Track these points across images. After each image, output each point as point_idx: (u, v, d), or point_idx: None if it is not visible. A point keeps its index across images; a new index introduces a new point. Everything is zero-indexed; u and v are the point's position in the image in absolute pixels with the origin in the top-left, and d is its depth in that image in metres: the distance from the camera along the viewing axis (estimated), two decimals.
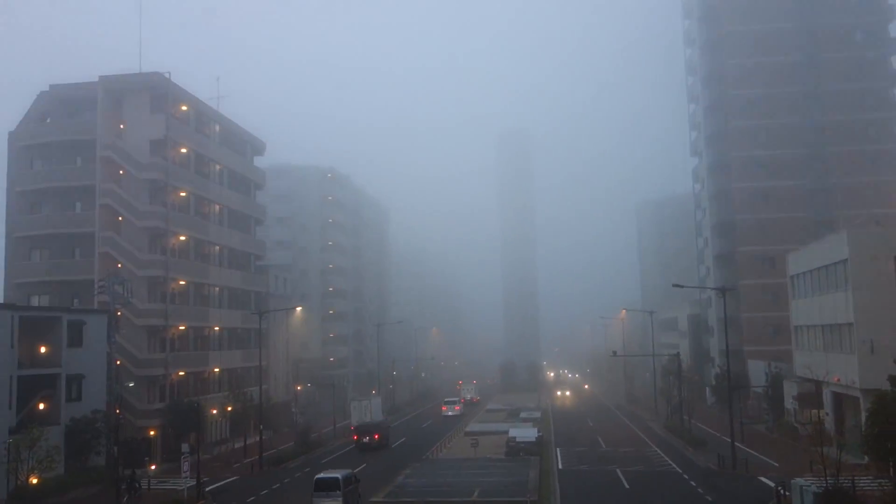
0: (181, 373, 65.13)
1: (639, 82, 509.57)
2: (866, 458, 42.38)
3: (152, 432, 61.00)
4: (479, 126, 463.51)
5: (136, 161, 64.81)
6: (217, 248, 73.62)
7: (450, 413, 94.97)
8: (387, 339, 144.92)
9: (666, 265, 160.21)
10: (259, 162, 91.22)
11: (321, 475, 39.97)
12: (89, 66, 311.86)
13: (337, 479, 39.08)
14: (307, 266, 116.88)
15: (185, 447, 44.60)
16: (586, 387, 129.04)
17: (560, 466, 52.80)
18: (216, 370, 71.56)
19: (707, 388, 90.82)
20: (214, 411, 68.17)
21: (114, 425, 50.39)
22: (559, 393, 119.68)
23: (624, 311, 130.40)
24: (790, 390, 64.16)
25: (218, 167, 75.36)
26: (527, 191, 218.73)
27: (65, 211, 64.78)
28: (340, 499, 38.22)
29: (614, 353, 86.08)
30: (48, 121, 67.62)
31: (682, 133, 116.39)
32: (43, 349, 51.51)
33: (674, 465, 52.30)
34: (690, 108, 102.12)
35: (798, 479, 36.59)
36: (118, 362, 57.20)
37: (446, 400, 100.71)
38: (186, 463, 43.85)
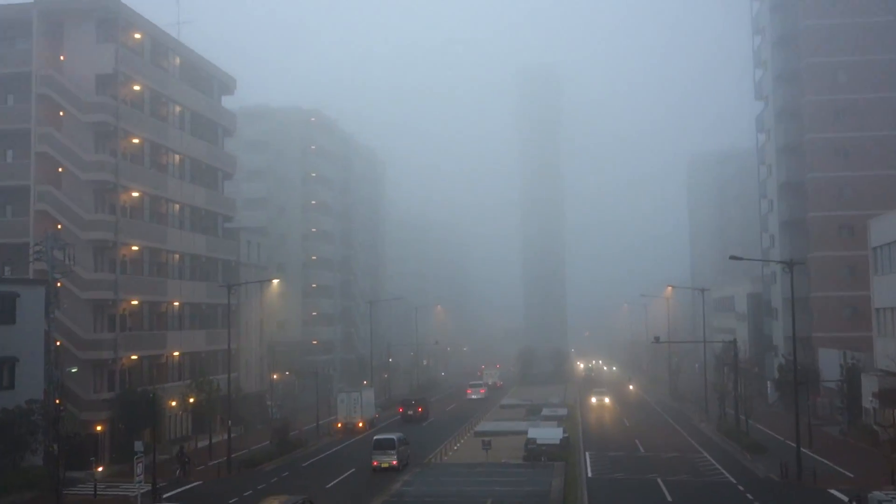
0: (134, 357, 65.73)
1: (691, 7, 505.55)
2: None
3: (99, 427, 61.70)
4: (495, 62, 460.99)
5: (79, 100, 64.84)
6: (177, 206, 74.10)
7: (474, 396, 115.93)
8: (381, 319, 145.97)
9: (722, 234, 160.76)
10: (228, 103, 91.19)
11: (379, 436, 58.73)
12: None
13: (392, 439, 57.21)
14: (286, 229, 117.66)
15: (138, 445, 45.02)
16: (631, 388, 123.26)
17: (589, 474, 53.07)
18: (176, 354, 72.31)
19: (769, 383, 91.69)
20: (174, 403, 68.87)
21: (53, 418, 50.43)
22: (594, 400, 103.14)
23: (670, 288, 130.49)
24: (869, 386, 64.13)
25: (178, 109, 75.50)
26: (553, 143, 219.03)
27: None
28: (395, 456, 56.08)
29: (657, 339, 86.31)
30: None
31: (746, 73, 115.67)
32: None
33: (727, 475, 52.53)
34: (755, 40, 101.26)
35: (877, 493, 36.81)
36: (58, 343, 57.77)
37: (471, 383, 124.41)
38: (140, 464, 44.13)
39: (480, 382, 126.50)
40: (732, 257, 56.70)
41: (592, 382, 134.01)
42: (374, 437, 59.08)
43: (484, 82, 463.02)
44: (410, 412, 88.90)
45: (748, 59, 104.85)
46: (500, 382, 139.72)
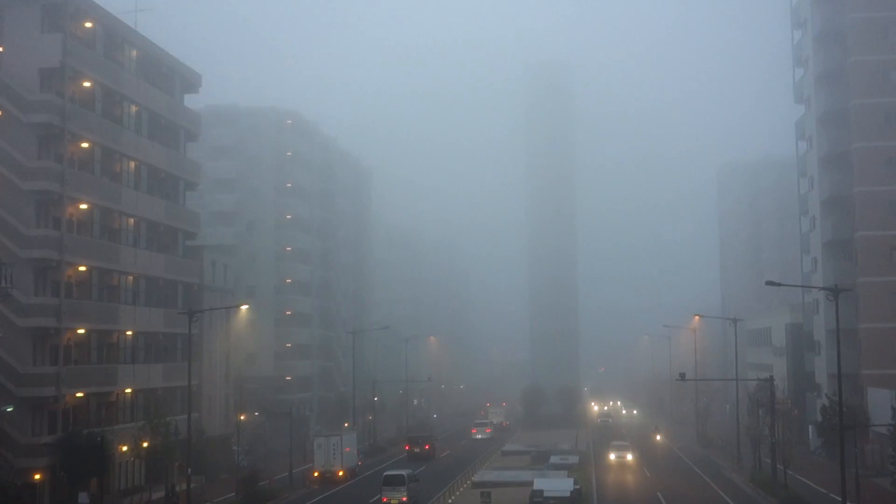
0: (79, 394, 65.55)
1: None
2: None
3: (38, 476, 61.12)
4: (500, 62, 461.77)
5: (19, 98, 64.45)
6: (132, 220, 74.31)
7: (479, 436, 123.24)
8: (366, 352, 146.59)
9: (756, 256, 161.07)
10: (192, 102, 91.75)
11: (389, 472, 67.01)
12: None
13: (402, 475, 64.32)
14: (257, 248, 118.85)
15: (83, 497, 44.75)
16: (658, 437, 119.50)
17: None
18: (128, 391, 72.31)
19: (810, 427, 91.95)
20: (125, 448, 68.08)
21: None
22: (613, 457, 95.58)
23: (697, 318, 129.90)
24: None
25: (134, 108, 75.46)
26: (565, 152, 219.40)
27: None
28: (405, 492, 62.46)
29: (682, 376, 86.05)
30: None
31: (784, 73, 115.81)
32: None
33: None
34: (795, 36, 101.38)
35: None
36: None
37: (476, 422, 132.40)
38: None
39: (486, 422, 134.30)
40: (769, 283, 56.56)
41: (610, 431, 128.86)
42: (385, 473, 67.09)
43: (487, 84, 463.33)
44: (417, 449, 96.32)
45: (786, 57, 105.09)
46: (506, 422, 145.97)
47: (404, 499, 62.18)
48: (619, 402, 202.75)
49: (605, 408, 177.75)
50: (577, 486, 63.41)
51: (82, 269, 67.21)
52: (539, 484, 61.89)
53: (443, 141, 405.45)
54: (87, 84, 68.71)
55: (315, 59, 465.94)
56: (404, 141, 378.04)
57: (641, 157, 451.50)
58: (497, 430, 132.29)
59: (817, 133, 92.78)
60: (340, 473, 79.31)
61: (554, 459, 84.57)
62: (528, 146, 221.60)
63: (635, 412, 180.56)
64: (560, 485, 61.98)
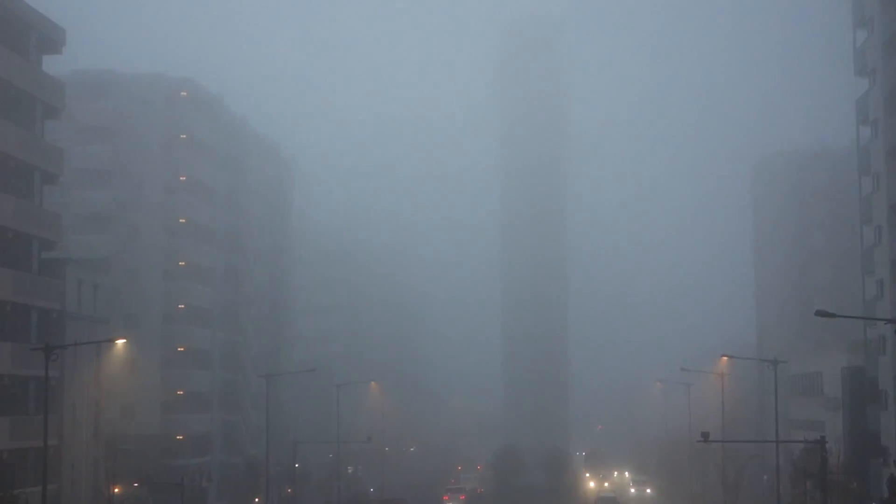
0: None
1: None
2: None
3: None
4: (471, 15, 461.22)
5: None
6: None
7: None
8: (285, 402, 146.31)
9: (802, 277, 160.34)
10: (55, 67, 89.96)
11: None
12: None
13: None
14: (140, 263, 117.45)
15: None
16: None
17: None
18: None
19: None
20: None
21: None
22: None
23: (725, 358, 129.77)
24: None
25: None
26: (552, 123, 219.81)
27: None
28: None
29: (705, 436, 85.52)
30: None
31: (840, 36, 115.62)
32: None
33: None
34: None
35: None
36: None
37: (448, 488, 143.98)
38: None
39: (459, 487, 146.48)
40: (819, 313, 56.40)
41: None
42: None
43: (451, 44, 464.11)
44: None
45: (842, 14, 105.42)
46: (480, 489, 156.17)
47: None
48: (626, 474, 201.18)
49: (606, 483, 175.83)
50: None
51: None
52: None
53: (396, 122, 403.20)
54: None
55: (232, 23, 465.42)
56: (343, 124, 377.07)
57: (650, 146, 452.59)
58: (472, 498, 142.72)
59: (885, 116, 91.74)
60: None
61: None
62: (504, 114, 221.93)
63: (649, 490, 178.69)
64: None
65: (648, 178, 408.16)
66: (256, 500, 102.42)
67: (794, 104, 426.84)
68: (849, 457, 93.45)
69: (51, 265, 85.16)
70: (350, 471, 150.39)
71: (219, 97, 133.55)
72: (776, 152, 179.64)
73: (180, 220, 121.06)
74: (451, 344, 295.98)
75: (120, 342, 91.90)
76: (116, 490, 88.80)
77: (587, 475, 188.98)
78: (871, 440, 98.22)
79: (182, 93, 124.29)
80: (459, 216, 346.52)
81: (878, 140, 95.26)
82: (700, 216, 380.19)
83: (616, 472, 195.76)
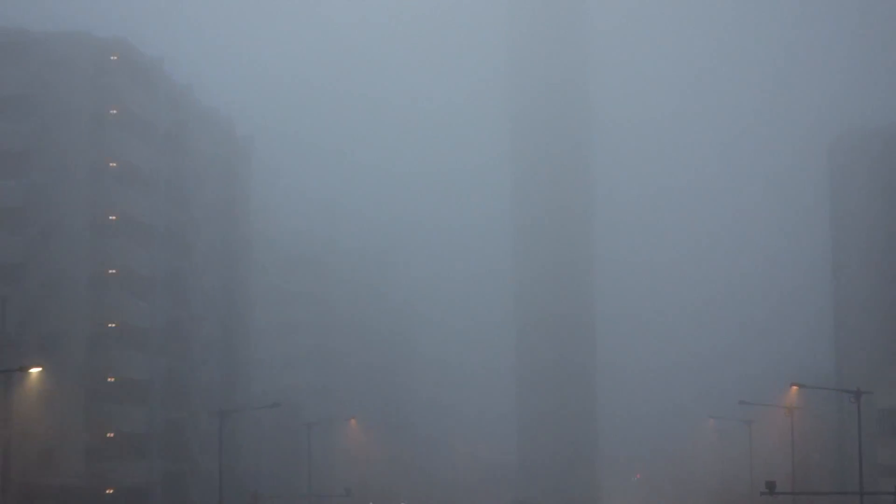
0: None
1: None
2: None
3: None
4: None
5: None
6: None
7: None
8: (242, 445, 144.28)
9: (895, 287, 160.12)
10: None
11: None
12: None
13: None
14: (60, 269, 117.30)
15: None
16: None
17: None
18: None
19: None
20: None
21: None
22: None
23: (795, 388, 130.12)
24: None
25: None
26: (576, 120, 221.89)
27: None
28: None
29: (770, 487, 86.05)
30: None
31: None
32: None
33: None
34: None
35: None
36: None
37: None
38: None
39: None
40: None
41: None
42: None
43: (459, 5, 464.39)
44: None
45: None
46: None
47: None
48: None
49: None
50: None
51: None
52: None
53: (384, 102, 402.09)
54: None
55: None
56: (317, 101, 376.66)
57: (703, 121, 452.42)
58: None
59: None
60: None
61: None
62: (517, 95, 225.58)
63: None
64: None
65: (693, 169, 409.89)
66: None
67: (876, 77, 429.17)
68: None
69: None
70: None
71: (158, 61, 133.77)
72: (858, 128, 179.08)
73: (110, 216, 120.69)
74: (451, 373, 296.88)
75: (34, 371, 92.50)
76: None
77: None
78: None
79: (112, 56, 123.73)
80: (462, 216, 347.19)
81: None
82: (760, 208, 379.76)
83: None
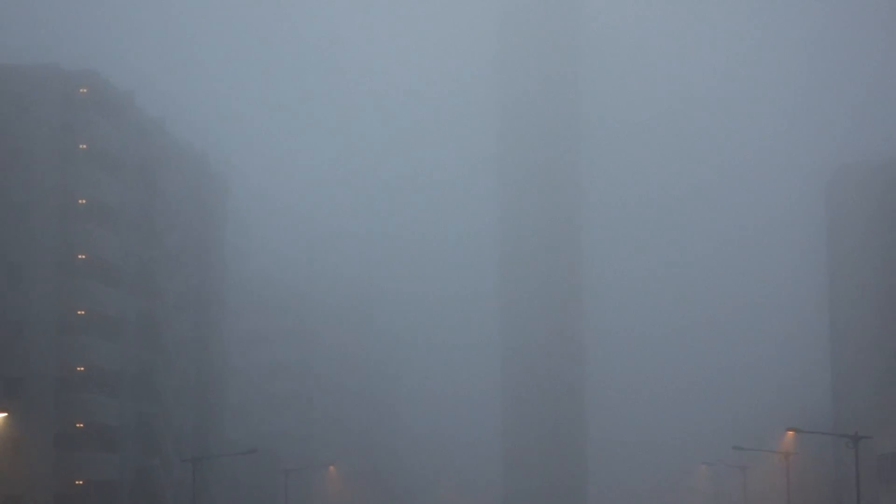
0: None
1: None
2: None
3: None
4: None
5: None
6: None
7: None
8: (217, 492, 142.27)
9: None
10: None
11: None
12: None
13: None
14: (25, 310, 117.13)
15: None
16: None
17: None
18: None
19: None
20: None
21: None
22: None
23: (791, 433, 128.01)
24: None
25: None
26: (565, 137, 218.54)
27: None
28: None
29: None
30: None
31: None
32: None
33: None
34: None
35: None
36: None
37: None
38: None
39: None
40: None
41: None
42: None
43: (447, 14, 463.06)
44: None
45: None
46: None
47: None
48: None
49: None
50: None
51: None
52: None
53: (366, 124, 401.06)
54: None
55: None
56: (295, 127, 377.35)
57: (696, 150, 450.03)
58: None
59: None
60: None
61: None
62: (504, 110, 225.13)
63: None
64: None
65: (687, 203, 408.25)
66: None
67: (876, 108, 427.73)
68: None
69: None
70: None
71: (128, 94, 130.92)
72: (857, 164, 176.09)
73: (79, 256, 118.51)
74: (436, 402, 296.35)
75: (0, 416, 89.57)
76: None
77: None
78: None
79: (82, 89, 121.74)
80: (448, 246, 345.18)
81: None
82: (756, 244, 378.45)
83: None
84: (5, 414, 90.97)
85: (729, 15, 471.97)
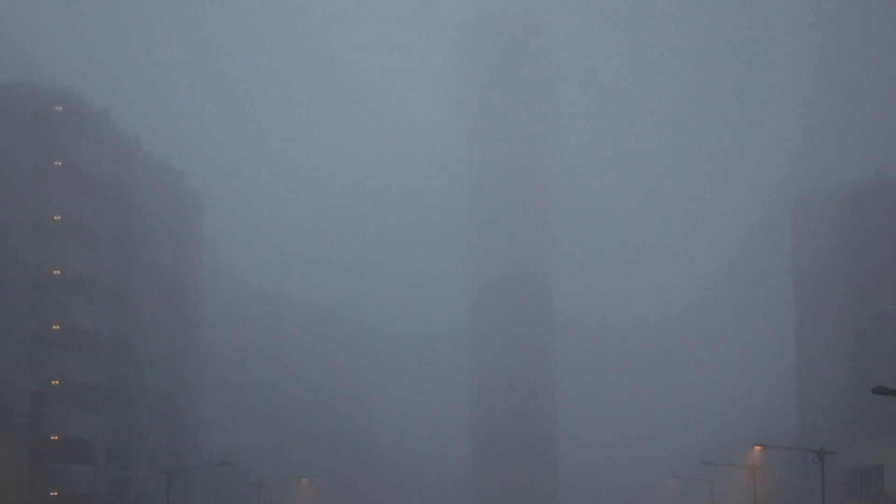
0: None
1: None
2: None
3: None
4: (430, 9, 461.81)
5: None
6: None
7: None
8: None
9: (861, 343, 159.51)
10: None
11: None
12: None
13: None
14: None
15: None
16: None
17: None
18: None
19: None
20: None
21: None
22: None
23: (757, 448, 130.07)
24: None
25: None
26: (533, 175, 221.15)
27: None
28: None
29: None
30: None
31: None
32: None
33: None
34: None
35: None
36: None
37: None
38: None
39: None
40: (878, 390, 55.75)
41: None
42: None
43: (410, 42, 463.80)
44: None
45: None
46: None
47: None
48: None
49: None
50: None
51: None
52: None
53: (340, 152, 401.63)
54: None
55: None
56: (268, 150, 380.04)
57: (664, 181, 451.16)
58: None
59: None
60: None
61: None
62: (471, 151, 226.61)
63: None
64: None
65: (653, 235, 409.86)
66: None
67: (840, 130, 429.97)
68: None
69: None
70: None
71: (104, 112, 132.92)
72: (822, 187, 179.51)
73: (53, 271, 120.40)
74: (406, 437, 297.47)
75: None
76: None
77: None
78: None
79: (57, 107, 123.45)
80: (420, 274, 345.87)
81: None
82: (723, 266, 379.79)
83: None
84: None
85: (689, 47, 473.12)
